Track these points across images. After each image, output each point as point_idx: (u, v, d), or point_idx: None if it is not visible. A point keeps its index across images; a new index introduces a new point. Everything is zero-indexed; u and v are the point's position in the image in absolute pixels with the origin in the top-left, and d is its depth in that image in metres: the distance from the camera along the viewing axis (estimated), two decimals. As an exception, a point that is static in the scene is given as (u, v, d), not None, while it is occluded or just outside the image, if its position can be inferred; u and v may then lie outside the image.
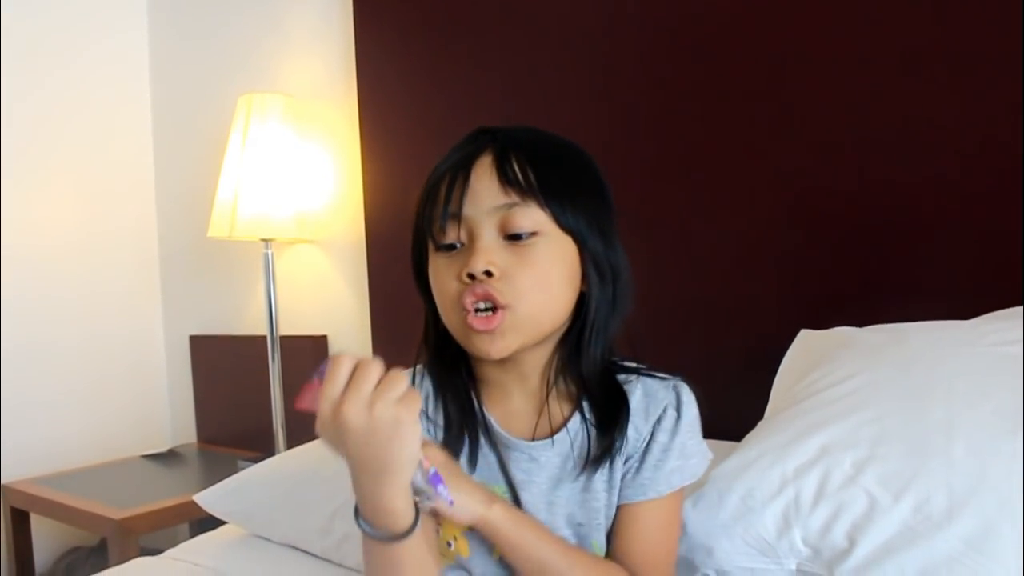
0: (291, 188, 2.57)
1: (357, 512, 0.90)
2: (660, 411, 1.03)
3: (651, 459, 1.02)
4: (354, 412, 0.80)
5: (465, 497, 0.92)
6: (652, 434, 1.02)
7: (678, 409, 1.04)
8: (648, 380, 1.06)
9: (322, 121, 2.75)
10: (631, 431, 1.02)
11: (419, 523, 0.88)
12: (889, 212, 1.67)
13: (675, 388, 1.05)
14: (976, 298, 1.43)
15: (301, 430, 2.61)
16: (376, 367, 0.83)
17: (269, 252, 2.64)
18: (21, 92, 2.94)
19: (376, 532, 0.88)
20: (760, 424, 1.30)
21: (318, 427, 0.84)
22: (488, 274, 0.95)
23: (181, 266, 3.32)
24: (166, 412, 3.42)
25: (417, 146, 2.43)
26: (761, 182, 1.82)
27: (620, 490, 1.02)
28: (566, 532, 1.02)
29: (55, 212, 3.06)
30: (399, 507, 0.86)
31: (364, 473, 0.85)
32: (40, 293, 3.00)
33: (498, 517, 0.95)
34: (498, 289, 0.95)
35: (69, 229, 3.10)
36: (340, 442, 0.83)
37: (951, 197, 1.61)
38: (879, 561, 1.02)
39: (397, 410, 0.81)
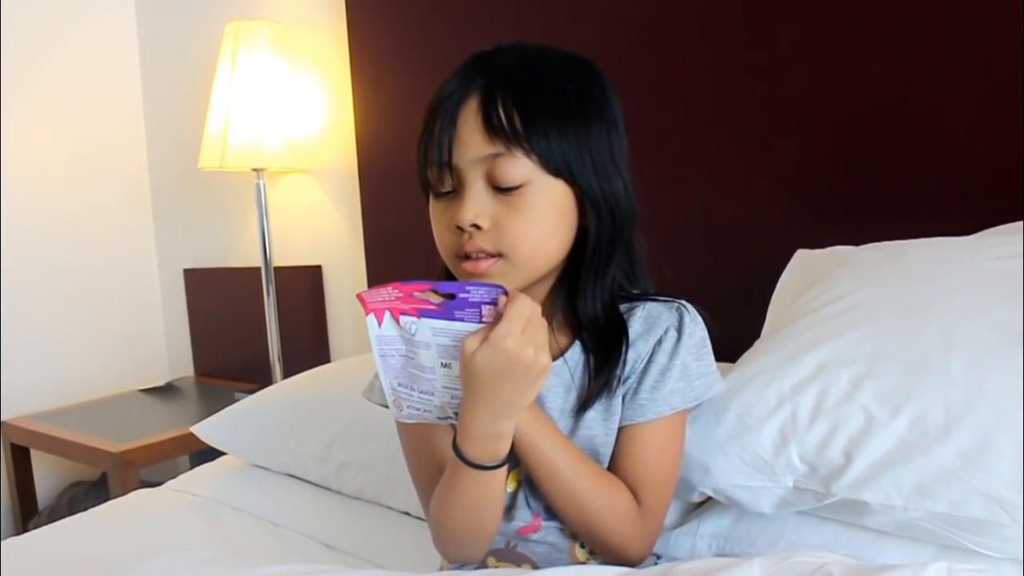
0: (281, 116, 2.54)
1: (458, 449, 0.91)
2: (661, 332, 1.03)
3: (649, 380, 1.02)
4: (531, 352, 0.83)
5: None
6: (651, 355, 1.02)
7: (679, 330, 1.03)
8: (652, 304, 1.05)
9: (311, 48, 2.70)
10: (630, 353, 1.02)
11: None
12: (887, 129, 1.65)
13: (678, 310, 1.04)
14: (975, 215, 1.42)
15: (297, 360, 2.62)
16: (539, 309, 0.86)
17: (261, 183, 2.62)
18: (6, 27, 2.88)
19: (480, 461, 0.90)
20: (757, 343, 1.30)
21: (481, 354, 0.83)
22: (477, 227, 0.95)
23: (173, 199, 3.29)
24: (162, 346, 3.42)
25: (408, 72, 2.40)
26: (757, 101, 1.79)
27: (621, 412, 1.02)
28: None
29: (43, 148, 3.02)
30: (511, 432, 0.91)
31: (498, 407, 0.87)
32: (33, 230, 2.98)
33: (530, 420, 0.96)
34: (489, 240, 0.95)
35: (58, 166, 3.06)
36: (495, 372, 0.84)
37: (949, 113, 1.58)
38: (875, 476, 1.02)
39: (548, 355, 0.86)
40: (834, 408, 1.08)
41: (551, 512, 1.04)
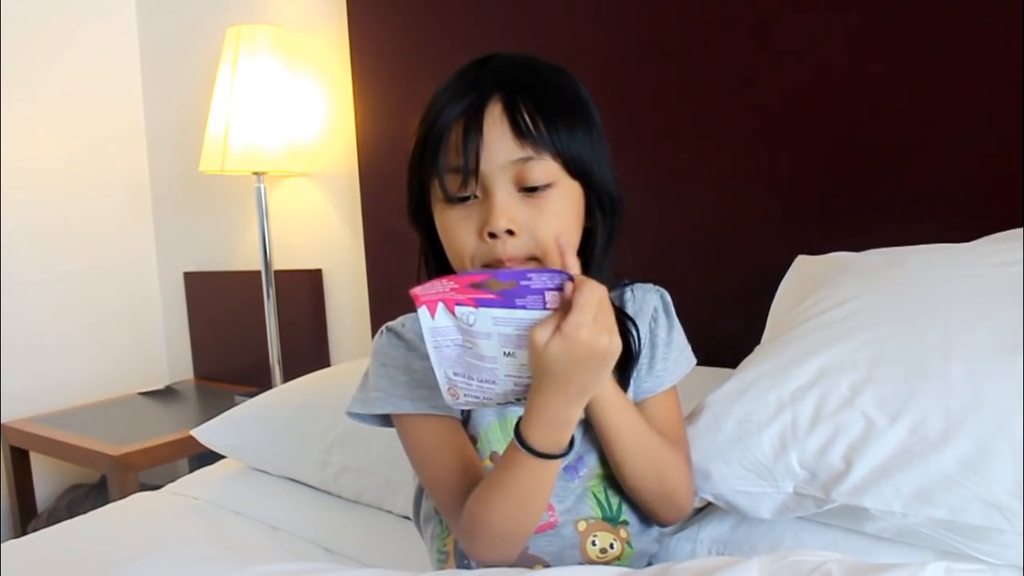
0: (282, 120, 2.54)
1: (522, 438, 0.90)
2: (651, 311, 1.11)
3: (659, 353, 1.10)
4: (605, 340, 0.83)
5: None
6: (652, 332, 1.11)
7: (665, 310, 1.13)
8: (635, 288, 1.14)
9: (312, 52, 2.71)
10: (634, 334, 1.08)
11: None
12: (886, 135, 1.65)
13: (658, 291, 1.14)
14: (975, 221, 1.42)
15: (297, 364, 2.62)
16: (607, 292, 0.85)
17: (261, 186, 2.62)
18: (8, 32, 2.88)
19: (543, 449, 0.89)
20: (757, 349, 1.30)
21: (555, 346, 0.82)
22: (510, 232, 0.95)
23: (174, 203, 3.29)
24: (162, 349, 3.42)
25: (409, 77, 2.40)
26: (757, 107, 1.80)
27: (638, 385, 1.08)
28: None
29: (43, 151, 3.02)
30: (576, 419, 0.90)
31: (572, 394, 0.87)
32: (34, 234, 2.98)
33: (611, 379, 0.98)
34: (523, 245, 0.96)
35: (59, 169, 3.06)
36: (566, 361, 0.83)
37: (949, 119, 1.59)
38: (875, 482, 1.02)
39: (619, 338, 0.85)
40: (834, 414, 1.08)
41: (564, 500, 1.04)
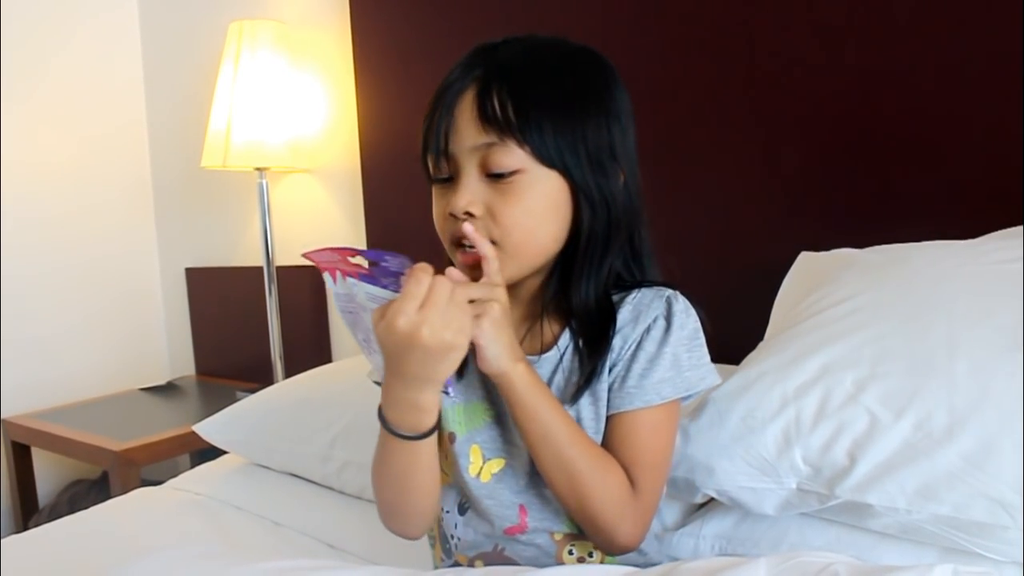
0: (284, 116, 2.54)
1: (381, 413, 0.92)
2: (650, 320, 1.00)
3: (637, 368, 0.99)
4: (426, 332, 0.83)
5: (498, 348, 0.93)
6: (639, 342, 1.00)
7: (668, 319, 1.01)
8: (643, 291, 1.03)
9: (314, 48, 2.70)
10: (617, 340, 1.00)
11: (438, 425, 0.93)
12: (890, 133, 1.65)
13: (667, 299, 1.02)
14: (978, 219, 1.42)
15: (298, 360, 2.62)
16: (447, 286, 0.85)
17: (264, 182, 2.62)
18: (9, 27, 2.88)
19: (401, 430, 0.92)
20: (760, 345, 1.29)
21: (380, 330, 0.84)
22: (469, 214, 0.96)
23: (175, 198, 3.29)
24: (164, 345, 3.42)
25: (411, 72, 2.40)
26: (761, 104, 1.79)
27: (609, 400, 1.01)
28: None
29: (47, 147, 3.02)
30: (431, 405, 0.91)
31: (408, 378, 0.88)
32: (35, 229, 2.98)
33: (520, 375, 0.95)
34: (483, 227, 0.96)
35: (60, 164, 3.06)
36: (390, 345, 0.85)
37: (951, 117, 1.59)
38: (879, 478, 1.02)
39: (461, 335, 0.86)
40: (838, 410, 1.08)
41: (542, 510, 1.03)
